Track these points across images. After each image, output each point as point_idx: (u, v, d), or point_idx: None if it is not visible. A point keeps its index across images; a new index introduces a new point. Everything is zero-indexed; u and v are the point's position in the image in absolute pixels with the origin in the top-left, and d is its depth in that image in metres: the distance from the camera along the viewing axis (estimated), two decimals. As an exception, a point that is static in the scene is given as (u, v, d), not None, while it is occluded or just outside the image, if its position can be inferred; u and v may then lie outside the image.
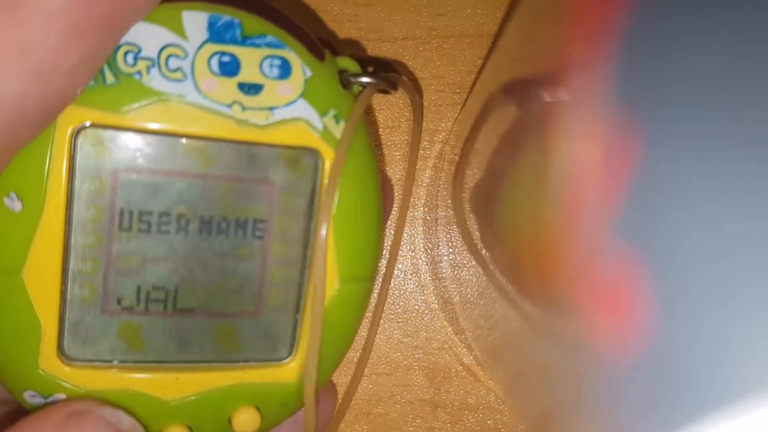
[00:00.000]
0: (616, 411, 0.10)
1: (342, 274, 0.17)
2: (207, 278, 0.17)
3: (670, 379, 0.09)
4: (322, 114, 0.16)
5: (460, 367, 0.25)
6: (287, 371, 0.18)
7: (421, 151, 0.24)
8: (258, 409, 0.18)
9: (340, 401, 0.22)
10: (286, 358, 0.18)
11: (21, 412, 0.16)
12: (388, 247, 0.24)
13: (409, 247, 0.25)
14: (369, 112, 0.24)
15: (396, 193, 0.24)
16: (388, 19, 0.24)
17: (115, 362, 0.17)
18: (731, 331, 0.08)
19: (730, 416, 0.08)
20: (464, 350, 0.25)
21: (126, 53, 0.15)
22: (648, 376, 0.09)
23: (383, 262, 0.24)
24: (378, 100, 0.24)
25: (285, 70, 0.16)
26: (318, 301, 0.17)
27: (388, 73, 0.18)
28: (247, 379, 0.17)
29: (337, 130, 0.17)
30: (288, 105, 0.16)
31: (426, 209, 0.25)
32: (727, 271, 0.08)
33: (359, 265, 0.18)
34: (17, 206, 0.15)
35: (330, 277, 0.17)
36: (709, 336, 0.08)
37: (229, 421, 0.17)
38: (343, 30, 0.24)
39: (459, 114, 0.24)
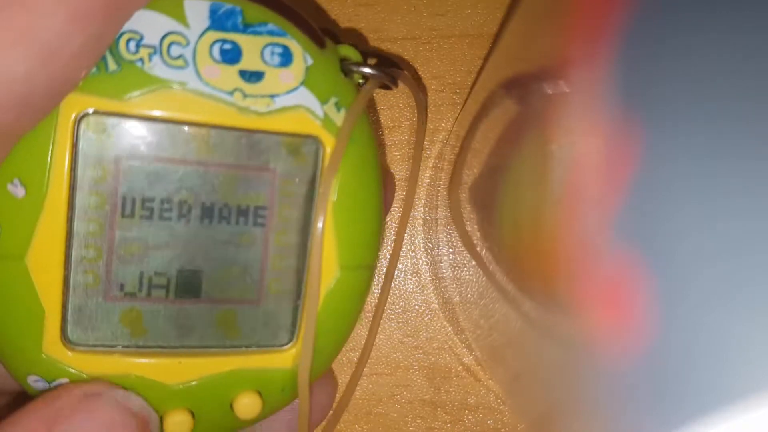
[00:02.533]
0: (616, 411, 0.10)
1: (342, 261, 0.17)
2: (209, 265, 0.17)
3: (670, 379, 0.09)
4: (323, 102, 0.16)
5: (460, 367, 0.25)
6: (288, 357, 0.18)
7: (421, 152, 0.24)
8: (259, 394, 0.18)
9: (338, 401, 0.22)
10: (287, 344, 0.18)
11: (16, 404, 0.16)
12: (390, 247, 0.24)
13: (409, 247, 0.25)
14: (371, 109, 0.24)
15: (398, 193, 0.24)
16: (388, 19, 0.24)
17: (118, 347, 0.17)
18: (731, 331, 0.08)
19: (730, 416, 0.08)
20: (464, 350, 0.25)
21: (128, 41, 0.15)
22: (648, 376, 0.09)
23: (385, 263, 0.24)
24: (378, 100, 0.24)
25: (286, 58, 0.16)
26: (313, 288, 0.17)
27: (390, 68, 0.18)
28: (249, 364, 0.18)
29: (338, 117, 0.17)
30: (289, 92, 0.16)
31: (426, 209, 0.25)
32: (727, 271, 0.08)
33: (360, 253, 0.18)
34: (20, 192, 0.15)
35: (330, 265, 0.17)
36: (709, 336, 0.08)
37: (231, 407, 0.18)
38: (343, 33, 0.24)
39: (459, 114, 0.24)
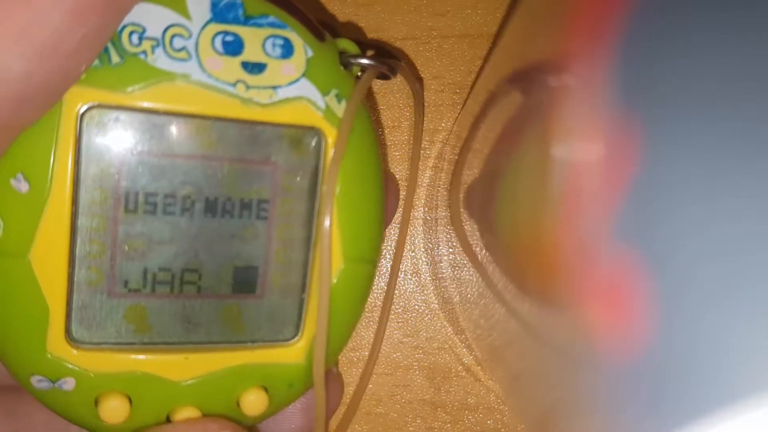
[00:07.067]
0: (616, 411, 0.10)
1: (346, 253, 0.17)
2: (212, 260, 0.17)
3: (670, 379, 0.09)
4: (324, 93, 0.16)
5: (460, 367, 0.25)
6: (294, 351, 0.18)
7: (421, 151, 0.24)
8: (265, 390, 0.18)
9: (348, 403, 0.21)
10: (293, 338, 0.18)
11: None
12: (392, 248, 0.24)
13: (409, 247, 0.25)
14: (371, 109, 0.24)
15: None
16: (388, 19, 0.24)
17: (123, 345, 0.17)
18: (731, 331, 0.08)
19: (730, 416, 0.08)
20: (464, 350, 0.25)
21: (131, 33, 0.15)
22: (648, 376, 0.09)
23: (387, 264, 0.24)
24: (378, 100, 0.24)
25: (287, 50, 0.16)
26: (324, 281, 0.17)
27: (388, 58, 0.18)
28: (255, 359, 0.17)
29: (339, 109, 0.17)
30: (291, 84, 0.16)
31: (426, 209, 0.25)
32: (727, 271, 0.08)
33: (363, 246, 0.18)
34: (24, 187, 0.15)
35: (335, 257, 0.17)
36: (708, 336, 0.08)
37: (238, 404, 0.18)
38: (343, 30, 0.24)
39: (459, 114, 0.24)
